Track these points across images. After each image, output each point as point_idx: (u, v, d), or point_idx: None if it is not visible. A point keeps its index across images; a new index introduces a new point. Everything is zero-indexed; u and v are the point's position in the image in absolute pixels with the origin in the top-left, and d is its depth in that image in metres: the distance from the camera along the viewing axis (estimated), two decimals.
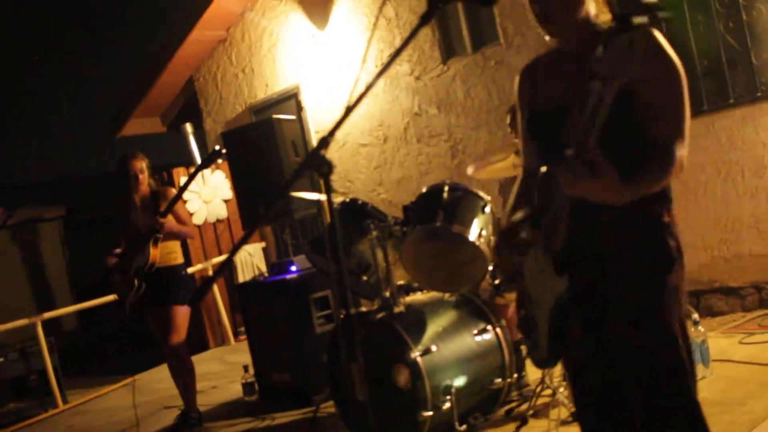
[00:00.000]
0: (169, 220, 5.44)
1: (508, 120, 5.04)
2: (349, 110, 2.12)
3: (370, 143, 8.23)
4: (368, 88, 2.20)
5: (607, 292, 2.26)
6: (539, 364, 2.50)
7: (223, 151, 5.47)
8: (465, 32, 7.37)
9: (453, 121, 7.47)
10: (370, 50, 8.02)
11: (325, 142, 2.03)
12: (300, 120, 8.53)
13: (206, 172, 9.38)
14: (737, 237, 5.75)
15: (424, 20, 2.26)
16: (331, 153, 8.22)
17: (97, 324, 12.39)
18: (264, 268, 9.20)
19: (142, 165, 5.59)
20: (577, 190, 2.07)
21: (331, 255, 1.97)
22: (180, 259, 5.69)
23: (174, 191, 5.56)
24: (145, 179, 5.61)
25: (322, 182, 2.09)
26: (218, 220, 9.82)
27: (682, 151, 2.17)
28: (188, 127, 10.11)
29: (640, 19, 1.90)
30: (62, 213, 13.49)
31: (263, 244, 9.65)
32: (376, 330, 4.14)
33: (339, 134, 8.42)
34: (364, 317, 4.23)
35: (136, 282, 5.37)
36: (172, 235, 5.54)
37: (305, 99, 8.82)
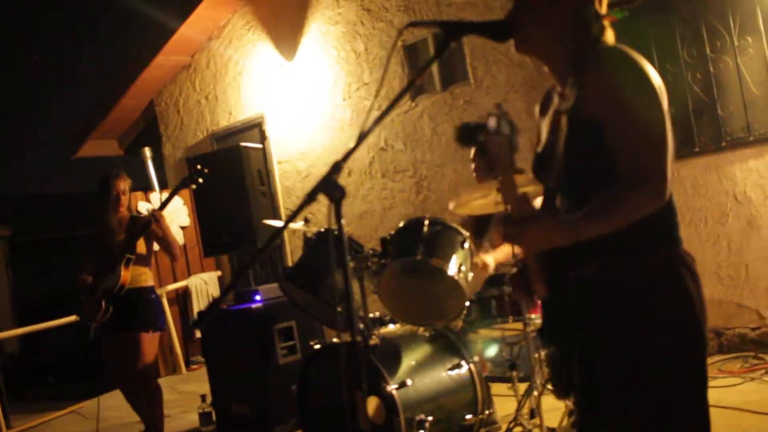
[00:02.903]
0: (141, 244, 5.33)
1: (472, 155, 5.04)
2: (361, 138, 2.11)
3: None
4: (382, 115, 2.20)
5: (595, 355, 2.05)
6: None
7: (206, 170, 5.37)
8: (435, 70, 7.43)
9: (419, 157, 7.51)
10: (338, 83, 8.04)
11: (337, 167, 2.03)
12: (264, 149, 8.47)
13: (163, 197, 9.24)
14: None
15: (439, 52, 2.26)
16: (294, 184, 8.13)
17: (39, 348, 12.08)
18: None
19: (125, 186, 5.42)
20: (523, 248, 2.02)
21: (343, 283, 1.97)
22: (150, 282, 5.48)
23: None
24: (126, 201, 5.45)
25: (333, 207, 2.08)
26: None
27: (654, 183, 1.89)
28: (147, 152, 9.96)
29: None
30: (8, 233, 13.21)
31: (219, 273, 9.52)
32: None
33: (303, 165, 8.43)
34: (337, 348, 4.19)
35: (103, 304, 5.15)
36: (161, 240, 5.35)
37: (269, 129, 8.79)
